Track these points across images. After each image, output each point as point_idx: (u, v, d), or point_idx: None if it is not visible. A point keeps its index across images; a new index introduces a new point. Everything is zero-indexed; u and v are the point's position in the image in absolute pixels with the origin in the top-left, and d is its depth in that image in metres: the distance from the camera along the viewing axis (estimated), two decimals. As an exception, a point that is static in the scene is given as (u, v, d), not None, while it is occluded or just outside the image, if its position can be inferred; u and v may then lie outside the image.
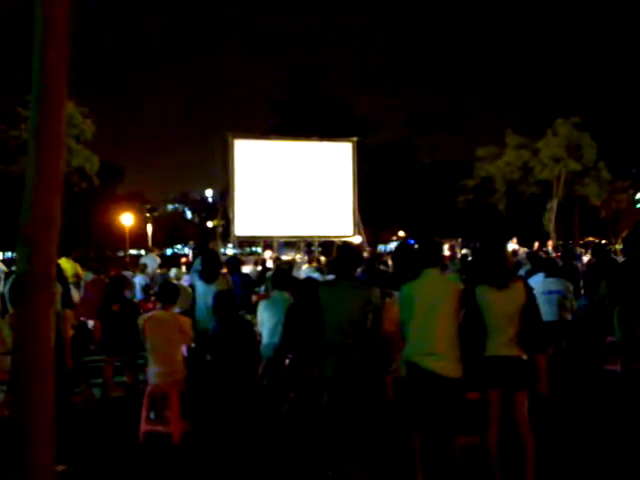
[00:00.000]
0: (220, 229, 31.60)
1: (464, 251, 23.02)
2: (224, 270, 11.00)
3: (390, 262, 13.27)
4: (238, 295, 9.17)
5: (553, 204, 41.36)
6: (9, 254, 42.91)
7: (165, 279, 13.83)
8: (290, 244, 30.18)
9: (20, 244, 4.08)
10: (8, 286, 8.52)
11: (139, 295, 14.35)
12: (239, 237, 26.90)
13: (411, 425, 5.74)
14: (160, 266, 19.62)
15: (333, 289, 6.26)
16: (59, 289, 8.22)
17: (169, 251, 72.64)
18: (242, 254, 30.35)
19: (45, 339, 4.10)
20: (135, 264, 20.83)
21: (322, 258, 20.66)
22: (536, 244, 23.27)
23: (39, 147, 4.07)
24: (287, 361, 7.75)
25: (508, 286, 5.54)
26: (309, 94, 53.21)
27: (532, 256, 13.83)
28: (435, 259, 5.91)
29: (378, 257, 19.53)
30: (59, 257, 11.73)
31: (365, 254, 17.40)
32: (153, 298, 12.98)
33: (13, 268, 11.70)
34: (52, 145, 4.10)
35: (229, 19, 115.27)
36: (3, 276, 14.79)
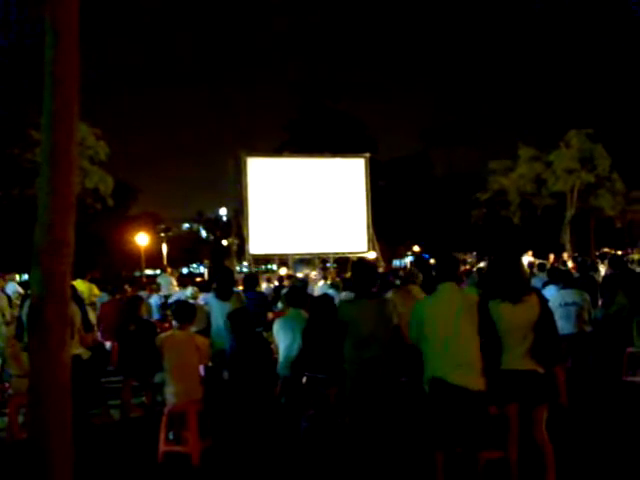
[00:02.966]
0: (235, 247, 31.64)
1: (481, 264, 22.94)
2: (240, 288, 11.02)
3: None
4: (254, 313, 9.18)
5: (567, 216, 41.21)
6: (26, 276, 43.13)
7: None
8: (305, 261, 30.20)
9: (34, 266, 4.10)
10: (25, 309, 8.56)
11: (155, 315, 14.37)
12: (254, 255, 26.95)
13: (435, 442, 5.68)
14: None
15: (355, 306, 6.29)
16: (76, 312, 8.26)
17: (185, 270, 72.72)
18: (257, 272, 30.36)
19: (61, 361, 4.11)
20: (151, 284, 20.91)
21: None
22: (551, 257, 23.17)
23: (51, 169, 4.09)
24: (304, 379, 7.73)
25: (522, 300, 5.51)
26: (319, 112, 53.30)
27: (548, 268, 13.80)
28: (452, 274, 5.90)
29: (393, 272, 19.52)
30: (74, 279, 11.80)
31: (380, 269, 17.39)
32: (170, 318, 12.99)
33: (30, 291, 11.76)
34: (64, 167, 4.12)
35: (237, 38, 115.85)
36: (17, 296, 14.85)
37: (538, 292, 6.18)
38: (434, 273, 5.95)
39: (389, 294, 8.09)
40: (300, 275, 24.00)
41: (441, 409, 5.51)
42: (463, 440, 5.50)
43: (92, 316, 11.37)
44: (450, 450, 5.61)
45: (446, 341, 5.52)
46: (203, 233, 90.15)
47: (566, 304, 9.47)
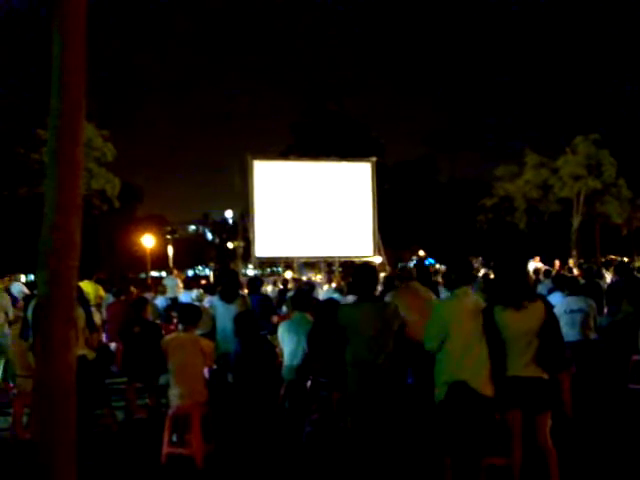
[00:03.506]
0: (240, 250, 31.68)
1: (483, 270, 22.88)
2: (245, 290, 11.02)
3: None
4: (259, 316, 9.17)
5: (574, 223, 41.15)
6: (32, 277, 43.19)
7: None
8: (310, 264, 30.19)
9: (40, 267, 4.10)
10: (30, 310, 8.55)
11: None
12: (259, 258, 26.93)
13: (447, 447, 5.66)
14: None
15: (356, 310, 6.27)
16: (81, 313, 8.25)
17: (190, 272, 72.73)
18: (263, 275, 30.37)
19: (66, 361, 4.11)
20: (157, 286, 20.90)
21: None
22: (557, 263, 23.11)
23: (58, 170, 4.09)
24: (309, 382, 7.73)
25: (526, 306, 5.50)
26: (324, 115, 53.23)
27: (554, 275, 13.77)
28: (468, 278, 5.92)
29: (398, 276, 19.48)
30: (81, 280, 11.82)
31: (383, 273, 17.35)
32: (175, 320, 12.99)
33: (35, 291, 11.76)
34: (71, 168, 4.12)
35: (245, 40, 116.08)
36: (24, 296, 14.86)
37: (543, 298, 6.16)
38: (453, 276, 5.93)
39: (388, 297, 8.05)
40: (304, 278, 24.00)
41: (459, 413, 5.49)
42: (471, 445, 5.48)
43: (97, 317, 11.37)
44: (457, 455, 5.60)
45: (466, 346, 5.51)
46: (209, 235, 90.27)
47: (571, 311, 9.43)
